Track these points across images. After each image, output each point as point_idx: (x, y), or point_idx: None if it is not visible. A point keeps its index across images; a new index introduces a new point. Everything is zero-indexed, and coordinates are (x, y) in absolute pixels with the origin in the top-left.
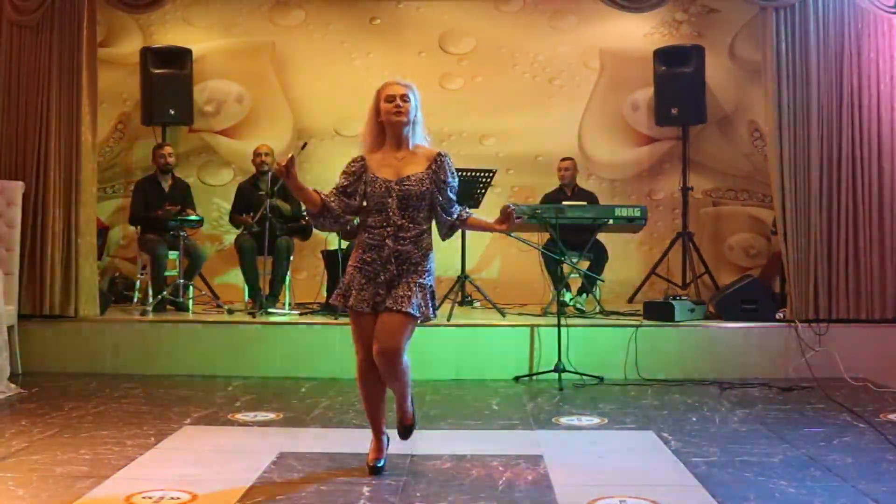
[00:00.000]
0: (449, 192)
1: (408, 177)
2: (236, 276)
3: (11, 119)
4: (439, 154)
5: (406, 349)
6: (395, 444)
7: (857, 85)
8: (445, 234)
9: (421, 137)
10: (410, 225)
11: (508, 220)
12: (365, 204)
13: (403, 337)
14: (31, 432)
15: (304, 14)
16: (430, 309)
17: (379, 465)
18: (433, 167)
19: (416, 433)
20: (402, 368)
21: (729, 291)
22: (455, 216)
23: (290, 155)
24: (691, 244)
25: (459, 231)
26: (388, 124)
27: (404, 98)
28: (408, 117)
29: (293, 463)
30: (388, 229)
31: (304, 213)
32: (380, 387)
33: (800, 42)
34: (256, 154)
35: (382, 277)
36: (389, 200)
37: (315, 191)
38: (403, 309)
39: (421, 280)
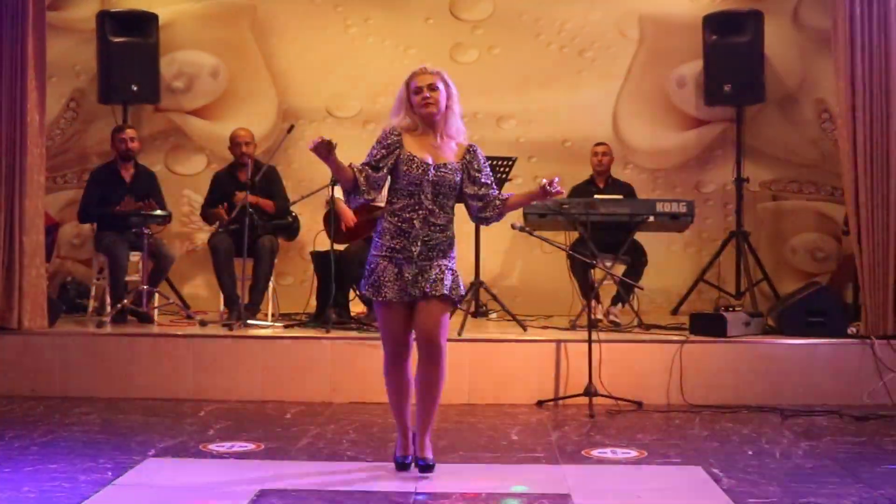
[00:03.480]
0: (485, 178)
1: (445, 164)
2: (210, 282)
3: None
4: (470, 146)
5: (446, 334)
6: (398, 481)
7: None
8: (486, 217)
9: (456, 129)
10: (440, 212)
11: (546, 195)
12: (396, 184)
13: (444, 319)
14: None
15: None
16: (461, 289)
17: (407, 461)
18: (466, 158)
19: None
20: (443, 356)
21: (792, 302)
22: (497, 198)
23: (327, 139)
24: (747, 246)
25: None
26: (420, 116)
27: (432, 87)
28: (438, 107)
29: (276, 502)
30: (420, 212)
31: (291, 210)
32: (407, 382)
33: (878, 6)
34: (236, 143)
35: (411, 265)
36: (424, 184)
37: (350, 166)
38: (440, 293)
39: (450, 264)
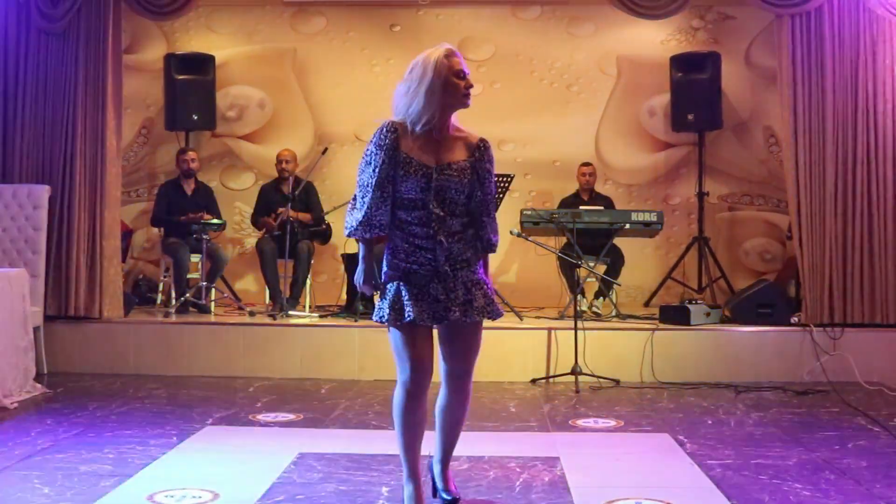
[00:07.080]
0: (489, 184)
1: (449, 164)
2: (257, 279)
3: (38, 125)
4: (482, 140)
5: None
6: None
7: (872, 90)
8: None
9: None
10: (452, 220)
11: None
12: (395, 191)
13: (478, 347)
14: (57, 431)
15: (325, 21)
16: (493, 305)
17: None
18: (476, 155)
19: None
20: (471, 388)
21: (744, 295)
22: (491, 230)
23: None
24: (707, 249)
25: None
26: (448, 105)
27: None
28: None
29: (313, 463)
30: (433, 225)
31: (325, 219)
32: (424, 416)
33: (815, 48)
34: (279, 160)
35: (437, 283)
36: (428, 192)
37: (378, 243)
38: (475, 318)
39: (475, 277)
